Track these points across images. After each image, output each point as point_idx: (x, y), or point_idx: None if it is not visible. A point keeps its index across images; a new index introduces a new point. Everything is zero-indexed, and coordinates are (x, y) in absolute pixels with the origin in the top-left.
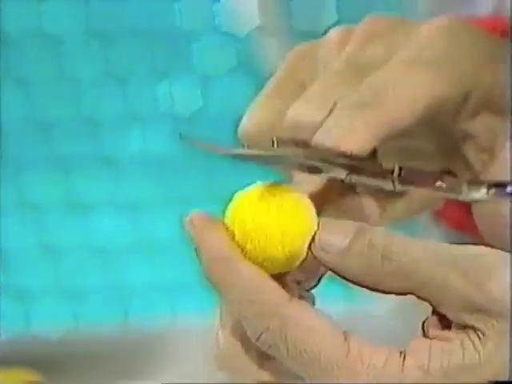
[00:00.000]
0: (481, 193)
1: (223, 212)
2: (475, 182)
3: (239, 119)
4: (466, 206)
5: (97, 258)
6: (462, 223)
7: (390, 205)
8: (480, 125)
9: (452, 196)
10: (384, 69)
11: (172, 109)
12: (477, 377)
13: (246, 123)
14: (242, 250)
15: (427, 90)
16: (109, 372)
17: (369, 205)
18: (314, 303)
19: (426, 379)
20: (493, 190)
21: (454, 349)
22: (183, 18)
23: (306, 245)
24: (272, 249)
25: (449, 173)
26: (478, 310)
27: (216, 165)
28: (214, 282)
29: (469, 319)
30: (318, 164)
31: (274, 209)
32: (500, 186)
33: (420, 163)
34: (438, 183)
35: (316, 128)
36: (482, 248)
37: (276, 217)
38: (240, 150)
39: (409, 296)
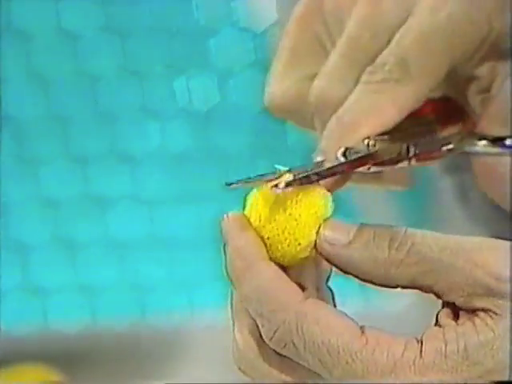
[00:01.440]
0: (481, 145)
1: (240, 207)
2: (477, 136)
3: (256, 115)
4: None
5: (114, 254)
6: None
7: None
8: (485, 67)
9: (459, 152)
10: (402, 36)
11: (189, 104)
12: (495, 351)
13: (273, 94)
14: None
15: (448, 55)
16: (125, 367)
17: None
18: (333, 298)
19: (445, 362)
20: (493, 143)
21: (467, 330)
22: (201, 13)
23: (314, 232)
24: (281, 236)
25: (450, 105)
26: (486, 291)
27: (232, 160)
28: (234, 279)
29: (479, 302)
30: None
31: (281, 199)
32: (500, 139)
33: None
34: (445, 147)
35: (340, 103)
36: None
37: (284, 207)
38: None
39: (423, 294)
